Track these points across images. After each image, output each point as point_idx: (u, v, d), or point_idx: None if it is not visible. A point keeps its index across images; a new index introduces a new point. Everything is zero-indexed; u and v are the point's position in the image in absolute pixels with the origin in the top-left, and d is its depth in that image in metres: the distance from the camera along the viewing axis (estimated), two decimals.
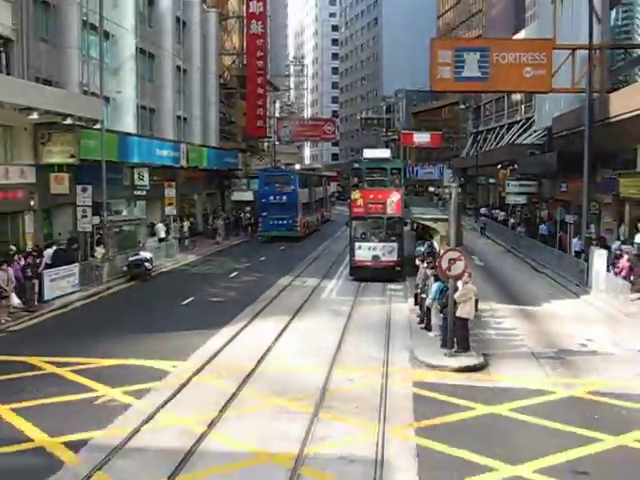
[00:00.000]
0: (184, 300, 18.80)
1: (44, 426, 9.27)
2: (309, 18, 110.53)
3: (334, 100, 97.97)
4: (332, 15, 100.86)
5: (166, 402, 10.31)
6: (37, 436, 9.03)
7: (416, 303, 16.67)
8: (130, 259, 22.21)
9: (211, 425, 9.34)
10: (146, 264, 22.13)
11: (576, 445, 8.85)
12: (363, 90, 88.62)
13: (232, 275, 23.88)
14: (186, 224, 30.89)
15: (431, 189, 62.19)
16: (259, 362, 12.52)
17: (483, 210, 42.95)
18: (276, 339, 14.35)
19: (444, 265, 12.73)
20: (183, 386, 11.10)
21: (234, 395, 10.62)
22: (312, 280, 22.37)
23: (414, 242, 26.17)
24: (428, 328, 14.60)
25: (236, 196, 40.11)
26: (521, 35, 41.96)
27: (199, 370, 11.98)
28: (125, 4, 28.77)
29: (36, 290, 17.51)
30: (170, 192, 28.27)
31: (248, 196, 39.62)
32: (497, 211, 40.53)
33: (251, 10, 41.89)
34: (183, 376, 11.56)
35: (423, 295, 15.45)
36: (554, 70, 26.26)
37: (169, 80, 33.48)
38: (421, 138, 58.07)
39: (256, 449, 8.69)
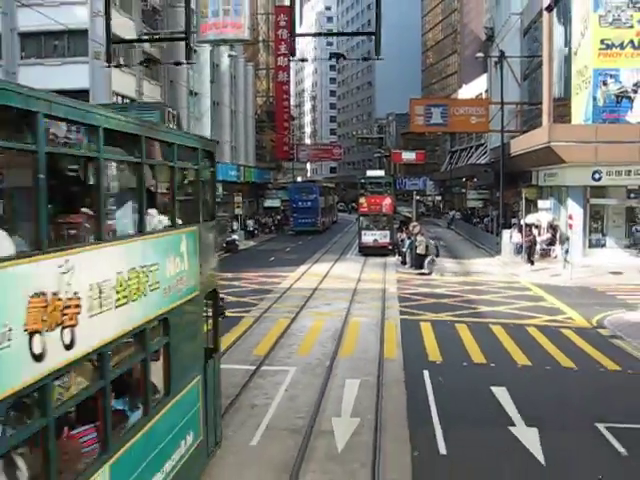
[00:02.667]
0: (270, 258, 34.80)
1: None
2: (309, 47, 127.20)
3: (332, 119, 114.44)
4: (329, 44, 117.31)
5: (295, 281, 26.16)
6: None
7: (399, 255, 32.70)
8: (227, 239, 38.07)
9: (317, 285, 25.18)
10: (237, 242, 38.08)
11: (465, 295, 24.84)
12: (358, 112, 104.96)
13: (287, 250, 39.85)
14: (250, 222, 46.91)
15: (417, 197, 78.25)
16: (327, 273, 28.48)
17: (452, 212, 59.38)
18: (330, 268, 30.29)
19: (411, 229, 28.75)
20: (298, 278, 26.99)
21: (322, 278, 26.58)
22: (337, 252, 38.35)
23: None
24: (404, 263, 30.63)
25: (268, 203, 56.13)
26: (470, 86, 58.51)
27: (302, 274, 27.92)
28: (204, 71, 44.62)
29: None
30: (238, 198, 44.22)
31: (277, 203, 55.66)
32: (454, 212, 57.13)
33: (279, 63, 58.09)
34: (296, 276, 27.45)
35: (402, 249, 31.48)
36: (490, 118, 42.67)
37: (227, 120, 49.48)
38: (408, 155, 73.88)
39: (338, 287, 24.61)
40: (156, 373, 7.01)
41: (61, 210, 5.66)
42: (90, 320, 5.25)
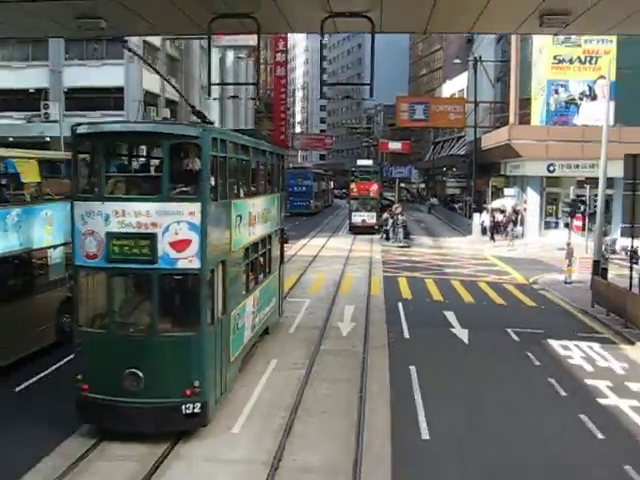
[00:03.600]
0: None
1: None
2: (299, 48, 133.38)
3: (322, 108, 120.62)
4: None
5: (298, 250, 32.70)
6: None
7: (384, 232, 39.51)
8: None
9: (317, 253, 31.80)
10: None
11: (435, 262, 31.64)
12: (347, 102, 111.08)
13: (285, 229, 46.36)
14: None
15: (402, 185, 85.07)
16: (323, 245, 35.14)
17: (431, 199, 66.37)
18: (326, 242, 36.92)
19: (394, 210, 35.52)
20: (300, 249, 33.42)
21: (320, 249, 33.24)
22: (330, 231, 44.97)
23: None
24: (387, 238, 37.46)
25: None
26: (453, 81, 65.06)
27: (302, 246, 34.46)
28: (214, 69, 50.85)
29: None
30: None
31: None
32: (433, 198, 64.22)
33: (277, 59, 64.51)
34: (297, 247, 33.82)
35: (385, 227, 38.29)
36: (468, 114, 49.40)
37: (230, 110, 55.91)
38: (394, 145, 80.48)
39: (334, 254, 31.30)
40: (268, 260, 14.63)
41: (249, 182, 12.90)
42: (258, 226, 12.43)
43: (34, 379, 12.90)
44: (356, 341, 15.99)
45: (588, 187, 30.56)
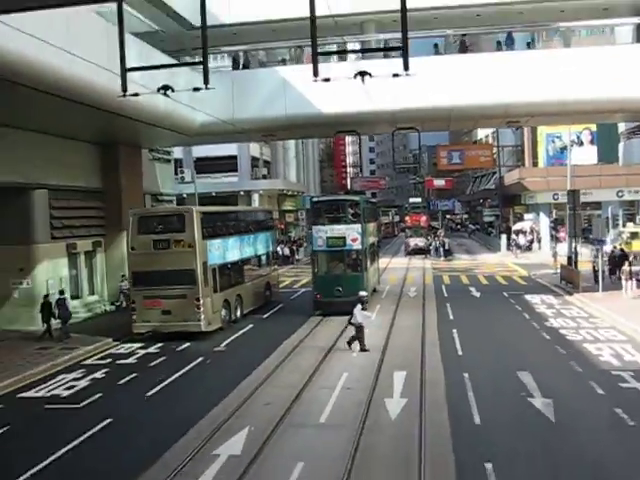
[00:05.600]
0: None
1: None
2: None
3: (371, 150, 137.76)
4: None
5: None
6: None
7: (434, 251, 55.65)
8: None
9: (386, 266, 48.00)
10: None
11: (468, 268, 47.64)
12: (395, 144, 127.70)
13: None
14: None
15: (447, 216, 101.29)
16: (389, 261, 51.35)
17: (470, 226, 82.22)
18: (391, 259, 53.17)
19: (439, 235, 51.68)
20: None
21: (387, 264, 49.51)
22: (391, 253, 61.05)
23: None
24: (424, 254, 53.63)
25: None
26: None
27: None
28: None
29: None
30: None
31: None
32: (471, 225, 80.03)
33: None
34: None
35: (431, 248, 54.48)
36: (494, 155, 65.63)
37: (301, 163, 72.94)
38: (439, 182, 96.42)
39: (398, 266, 47.50)
40: (374, 256, 31.33)
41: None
42: (374, 235, 29.54)
43: (271, 311, 29.36)
44: (419, 299, 32.04)
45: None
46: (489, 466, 11.05)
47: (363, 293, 23.06)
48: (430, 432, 12.82)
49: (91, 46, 19.58)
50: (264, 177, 59.42)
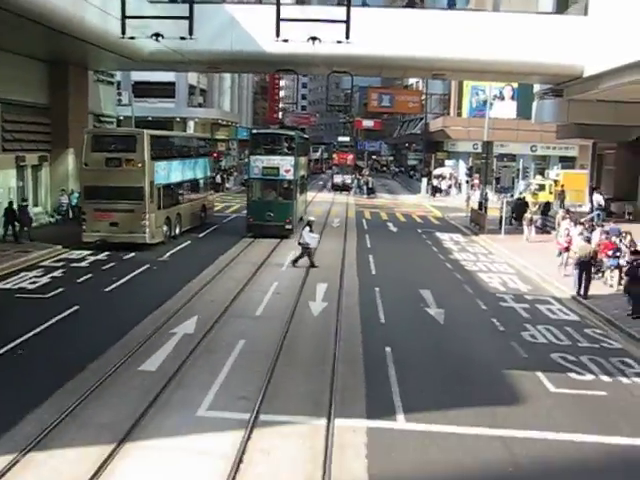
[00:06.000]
0: None
1: None
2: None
3: (304, 86, 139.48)
4: None
5: None
6: None
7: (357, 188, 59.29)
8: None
9: (312, 200, 51.34)
10: None
11: (389, 207, 51.46)
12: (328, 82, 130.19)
13: None
14: None
15: (374, 157, 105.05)
16: (315, 196, 54.67)
17: (394, 168, 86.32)
18: (316, 194, 56.53)
19: (363, 173, 55.20)
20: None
21: (313, 198, 52.81)
22: (317, 188, 64.40)
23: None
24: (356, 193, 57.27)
25: None
26: None
27: None
28: None
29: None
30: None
31: None
32: (395, 168, 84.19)
33: None
34: None
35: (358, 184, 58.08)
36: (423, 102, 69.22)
37: (236, 94, 74.78)
38: (368, 123, 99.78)
39: (324, 200, 50.93)
40: (303, 187, 34.47)
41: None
42: (304, 168, 32.02)
43: (206, 232, 32.27)
44: (341, 229, 35.50)
45: (495, 159, 50.31)
46: (388, 349, 14.61)
47: (312, 218, 26.70)
48: (344, 325, 16.32)
49: None
50: (200, 105, 61.31)
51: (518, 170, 50.17)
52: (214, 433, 10.16)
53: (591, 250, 20.08)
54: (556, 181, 47.17)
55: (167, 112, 55.96)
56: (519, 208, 36.42)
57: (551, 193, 45.55)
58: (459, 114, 60.92)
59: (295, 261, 23.80)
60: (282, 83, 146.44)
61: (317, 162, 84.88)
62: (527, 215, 33.90)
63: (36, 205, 33.86)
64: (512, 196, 43.20)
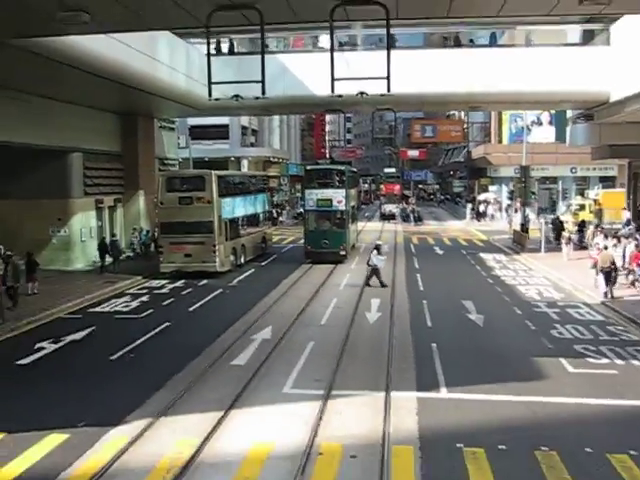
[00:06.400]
0: None
1: None
2: None
3: (348, 119, 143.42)
4: None
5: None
6: None
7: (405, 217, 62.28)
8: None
9: (362, 228, 54.35)
10: None
11: (435, 232, 54.30)
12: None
13: None
14: None
15: (420, 186, 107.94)
16: (364, 225, 57.80)
17: (440, 196, 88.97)
18: (366, 223, 59.66)
19: (409, 202, 58.14)
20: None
21: (363, 227, 55.93)
22: (367, 218, 67.51)
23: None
24: (404, 221, 60.10)
25: None
26: None
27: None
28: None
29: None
30: (298, 187, 73.30)
31: None
32: (441, 196, 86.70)
33: None
34: None
35: (403, 214, 60.98)
36: (466, 130, 72.07)
37: (285, 132, 78.67)
38: (413, 153, 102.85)
39: (373, 229, 53.95)
40: (354, 217, 37.66)
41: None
42: (355, 199, 35.27)
43: (267, 260, 35.51)
44: (391, 254, 38.38)
45: (537, 183, 52.84)
46: (434, 345, 17.49)
47: (379, 242, 30.28)
48: (396, 329, 19.25)
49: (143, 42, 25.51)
50: (252, 145, 65.19)
51: (558, 191, 52.47)
52: (298, 403, 13.18)
53: (611, 258, 22.65)
54: (596, 200, 49.31)
55: (222, 152, 59.77)
56: (557, 228, 38.87)
57: (591, 212, 47.71)
58: (499, 141, 63.59)
59: (366, 281, 26.68)
60: (327, 118, 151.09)
61: (366, 193, 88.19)
62: (565, 234, 36.34)
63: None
64: (553, 216, 45.56)
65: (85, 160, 33.92)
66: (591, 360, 16.17)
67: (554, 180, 59.53)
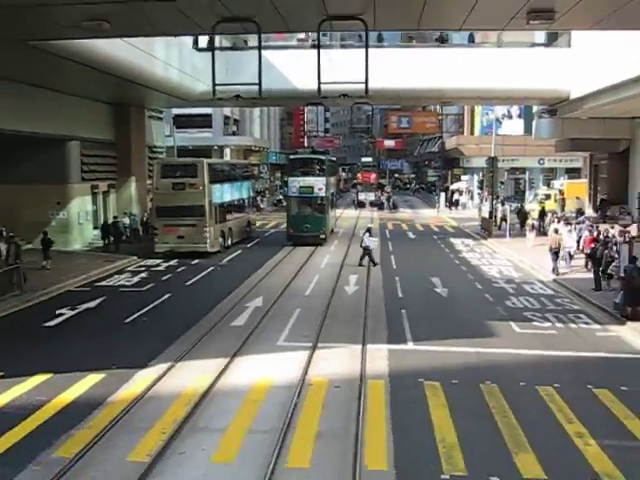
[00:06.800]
0: None
1: None
2: None
3: (326, 109, 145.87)
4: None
5: None
6: None
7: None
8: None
9: (340, 215, 57.28)
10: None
11: (409, 219, 57.39)
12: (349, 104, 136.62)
13: None
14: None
15: (396, 175, 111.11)
16: (342, 212, 60.73)
17: (414, 185, 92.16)
18: (343, 210, 62.56)
19: (385, 190, 61.19)
20: None
21: (341, 214, 58.84)
22: (342, 206, 70.48)
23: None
24: (380, 208, 63.12)
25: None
26: None
27: None
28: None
29: None
30: (278, 174, 75.93)
31: None
32: (416, 185, 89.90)
33: None
34: None
35: (379, 201, 64.02)
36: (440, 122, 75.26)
37: (265, 121, 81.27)
38: (389, 143, 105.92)
39: (350, 216, 56.92)
40: (333, 203, 40.42)
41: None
42: (335, 186, 38.11)
43: (252, 243, 38.33)
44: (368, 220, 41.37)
45: (506, 173, 56.04)
46: (403, 311, 20.52)
47: (370, 225, 34.21)
48: (371, 299, 22.25)
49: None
50: (234, 133, 67.75)
51: (525, 181, 55.74)
52: (291, 352, 16.12)
53: (559, 239, 25.84)
54: (561, 190, 52.68)
55: (205, 141, 62.29)
56: (522, 216, 42.09)
57: (556, 201, 51.09)
58: (472, 132, 66.83)
59: (360, 261, 29.49)
60: (306, 108, 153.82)
61: (345, 182, 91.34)
62: (529, 221, 39.53)
63: None
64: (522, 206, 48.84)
65: (82, 148, 36.42)
66: (536, 324, 19.26)
67: (523, 171, 62.86)
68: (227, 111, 65.25)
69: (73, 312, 21.01)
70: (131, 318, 20.05)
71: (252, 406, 12.72)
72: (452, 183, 68.21)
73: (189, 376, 14.33)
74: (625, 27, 20.33)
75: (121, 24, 19.07)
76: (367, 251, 29.41)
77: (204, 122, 63.14)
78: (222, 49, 41.66)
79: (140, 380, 14.12)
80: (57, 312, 20.87)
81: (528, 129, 59.96)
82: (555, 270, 26.38)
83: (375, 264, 29.21)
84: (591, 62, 34.13)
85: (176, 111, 58.72)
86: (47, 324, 19.53)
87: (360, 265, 29.09)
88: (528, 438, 11.19)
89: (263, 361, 15.51)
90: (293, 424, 11.68)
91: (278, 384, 13.83)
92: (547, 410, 12.58)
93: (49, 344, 17.39)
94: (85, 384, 14.00)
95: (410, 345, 16.91)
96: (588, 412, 12.42)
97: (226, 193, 35.54)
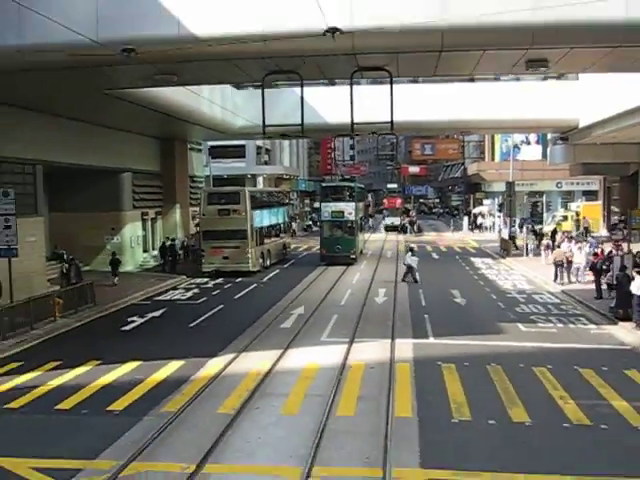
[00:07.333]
0: None
1: None
2: None
3: (351, 137, 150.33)
4: None
5: None
6: None
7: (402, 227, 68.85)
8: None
9: (368, 238, 60.81)
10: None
11: (433, 241, 60.86)
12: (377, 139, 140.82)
13: None
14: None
15: (421, 200, 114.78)
16: (369, 236, 64.32)
17: (441, 209, 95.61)
18: (370, 234, 66.16)
19: (410, 214, 64.76)
20: None
21: (368, 237, 62.43)
22: (371, 230, 74.07)
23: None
24: (405, 232, 66.61)
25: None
26: None
27: None
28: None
29: None
30: (307, 201, 79.80)
31: None
32: (440, 209, 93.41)
33: None
34: None
35: (404, 225, 67.58)
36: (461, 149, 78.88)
37: (294, 149, 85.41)
38: (413, 169, 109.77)
39: (377, 239, 60.46)
40: (362, 226, 44.39)
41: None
42: (360, 212, 41.81)
43: (288, 264, 42.05)
44: (393, 258, 44.85)
45: (526, 196, 59.40)
46: (426, 315, 24.08)
47: (412, 245, 37.27)
48: (398, 308, 25.81)
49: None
50: (265, 163, 71.85)
51: (542, 204, 59.03)
52: (332, 345, 19.73)
53: (563, 252, 29.29)
54: (577, 212, 55.95)
55: (239, 170, 66.36)
56: (537, 236, 45.46)
57: (572, 222, 54.36)
58: (492, 158, 70.37)
59: (404, 277, 33.10)
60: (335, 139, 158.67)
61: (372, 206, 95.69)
62: (543, 242, 42.84)
63: (154, 249, 44.29)
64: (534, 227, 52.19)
65: (134, 179, 40.55)
66: (540, 324, 22.68)
67: (541, 194, 66.14)
68: (259, 141, 69.37)
69: (143, 319, 24.78)
70: (194, 323, 23.78)
71: (306, 381, 16.30)
72: (474, 207, 71.63)
73: (253, 362, 17.97)
74: (612, 71, 23.94)
75: (187, 76, 23.07)
76: (410, 268, 32.84)
77: (238, 152, 67.25)
78: (256, 87, 45.77)
79: (214, 365, 17.76)
80: (129, 319, 24.67)
81: (546, 154, 63.40)
82: (557, 278, 29.78)
83: (416, 281, 32.58)
84: (596, 93, 37.58)
85: (211, 142, 62.91)
86: (123, 329, 23.33)
87: (403, 281, 32.67)
88: (521, 399, 14.62)
89: (311, 352, 19.11)
90: (339, 392, 15.22)
91: (325, 366, 17.41)
92: (539, 382, 16.01)
93: (130, 342, 21.14)
94: (170, 368, 17.67)
95: (431, 339, 20.43)
96: (571, 383, 15.82)
97: (265, 218, 39.37)
